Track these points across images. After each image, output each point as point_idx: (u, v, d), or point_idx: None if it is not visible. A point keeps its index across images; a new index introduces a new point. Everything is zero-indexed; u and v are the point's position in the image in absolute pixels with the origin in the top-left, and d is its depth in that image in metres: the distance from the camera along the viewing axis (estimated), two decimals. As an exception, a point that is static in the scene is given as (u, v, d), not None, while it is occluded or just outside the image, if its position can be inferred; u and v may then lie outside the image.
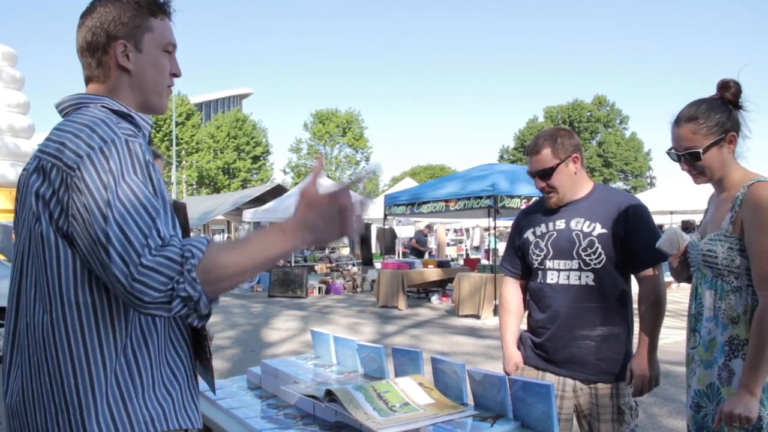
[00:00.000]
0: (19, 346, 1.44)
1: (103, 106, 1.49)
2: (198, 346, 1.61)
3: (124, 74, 1.55)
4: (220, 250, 1.29)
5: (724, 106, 2.26)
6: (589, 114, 58.09)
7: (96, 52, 1.54)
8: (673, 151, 2.32)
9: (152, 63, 1.58)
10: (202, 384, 1.71)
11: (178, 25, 1.67)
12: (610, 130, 58.13)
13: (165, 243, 1.26)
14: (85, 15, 1.56)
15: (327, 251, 24.20)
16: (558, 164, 2.67)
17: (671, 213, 17.59)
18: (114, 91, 1.55)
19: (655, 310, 2.63)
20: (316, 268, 19.85)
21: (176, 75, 1.66)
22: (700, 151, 2.23)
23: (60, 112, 1.55)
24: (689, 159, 2.27)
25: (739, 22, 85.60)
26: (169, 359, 1.49)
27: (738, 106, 2.28)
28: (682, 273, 2.49)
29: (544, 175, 2.69)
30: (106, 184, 1.27)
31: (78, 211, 1.29)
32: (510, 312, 2.94)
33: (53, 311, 1.36)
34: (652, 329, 2.62)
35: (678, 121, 2.29)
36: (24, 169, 1.50)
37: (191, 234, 1.64)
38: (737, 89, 2.27)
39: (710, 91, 2.33)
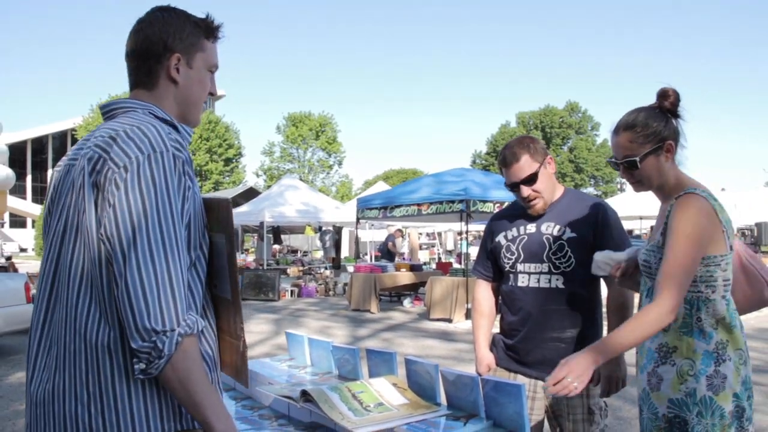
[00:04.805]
0: (52, 336, 1.47)
1: (150, 113, 1.56)
2: None
3: (171, 85, 1.63)
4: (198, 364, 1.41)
5: (662, 115, 2.25)
6: (561, 120, 58.76)
7: (149, 59, 1.60)
8: (613, 159, 2.33)
9: (198, 80, 1.68)
10: None
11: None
12: (581, 136, 58.88)
13: (164, 330, 1.32)
14: (144, 21, 1.62)
15: (299, 254, 24.10)
16: (539, 167, 2.71)
17: (640, 218, 17.84)
18: (159, 99, 1.62)
19: (622, 312, 2.68)
20: (288, 271, 19.72)
21: (212, 94, 1.74)
22: (637, 159, 2.22)
23: (105, 113, 1.62)
24: (627, 167, 2.26)
25: (714, 31, 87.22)
26: None
27: (676, 115, 2.27)
28: (625, 284, 2.50)
29: (529, 181, 2.70)
30: (142, 209, 1.34)
31: (109, 217, 1.36)
32: (482, 314, 2.98)
33: (98, 303, 1.40)
34: (620, 331, 2.67)
35: (617, 130, 2.28)
36: (59, 164, 1.58)
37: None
38: (676, 98, 2.25)
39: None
